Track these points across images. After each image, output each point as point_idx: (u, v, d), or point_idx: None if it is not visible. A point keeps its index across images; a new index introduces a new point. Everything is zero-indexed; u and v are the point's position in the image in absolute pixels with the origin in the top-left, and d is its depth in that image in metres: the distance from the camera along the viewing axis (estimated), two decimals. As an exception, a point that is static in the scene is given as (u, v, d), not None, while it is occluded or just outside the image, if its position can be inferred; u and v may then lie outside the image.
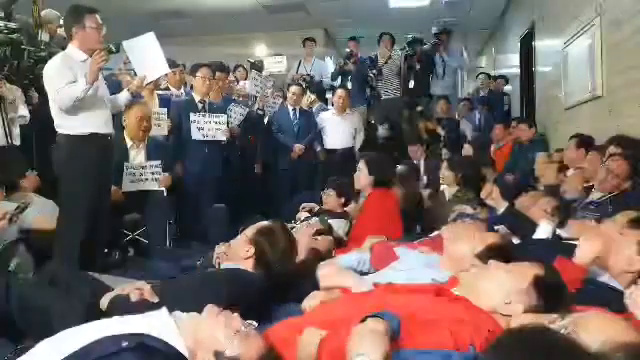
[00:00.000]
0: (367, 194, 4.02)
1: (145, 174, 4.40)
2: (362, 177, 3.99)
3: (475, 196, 4.47)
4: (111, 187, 4.02)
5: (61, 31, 5.35)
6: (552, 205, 3.49)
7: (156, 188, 4.44)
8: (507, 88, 9.21)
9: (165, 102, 5.26)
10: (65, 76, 3.49)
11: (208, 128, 5.09)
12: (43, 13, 5.48)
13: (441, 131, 7.05)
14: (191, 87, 5.61)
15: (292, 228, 3.44)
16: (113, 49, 3.74)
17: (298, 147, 6.23)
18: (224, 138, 5.18)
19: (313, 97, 7.40)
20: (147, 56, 4.00)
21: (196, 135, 5.05)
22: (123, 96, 4.01)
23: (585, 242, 2.13)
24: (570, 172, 4.33)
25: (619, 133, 3.75)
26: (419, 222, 4.54)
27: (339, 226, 4.14)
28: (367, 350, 1.33)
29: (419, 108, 7.43)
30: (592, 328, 1.31)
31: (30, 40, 4.79)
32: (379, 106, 7.80)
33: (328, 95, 8.13)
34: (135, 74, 4.20)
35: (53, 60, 3.62)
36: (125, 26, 5.13)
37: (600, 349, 1.25)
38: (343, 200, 4.54)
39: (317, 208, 4.61)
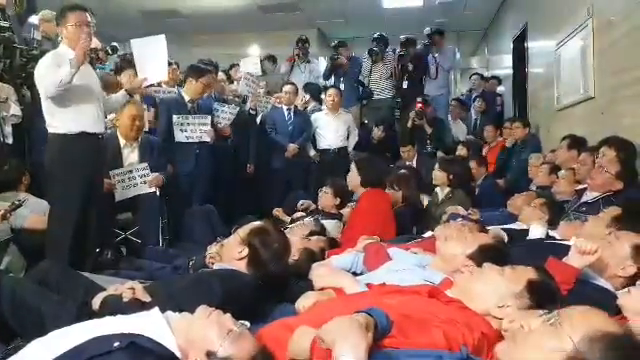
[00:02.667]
0: (360, 195, 4.03)
1: (134, 178, 4.37)
2: (355, 177, 4.01)
3: (466, 196, 4.49)
4: (103, 187, 4.01)
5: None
6: (540, 202, 3.52)
7: (147, 191, 4.42)
8: (500, 89, 9.24)
9: (150, 100, 5.24)
10: (55, 73, 3.47)
11: (191, 129, 4.98)
12: (40, 13, 5.49)
13: (428, 128, 7.05)
14: (180, 85, 5.58)
15: (285, 229, 3.44)
16: (109, 51, 3.73)
17: (292, 147, 6.22)
18: (209, 139, 5.07)
19: (308, 97, 7.40)
20: (152, 58, 3.98)
21: (179, 137, 4.95)
22: (121, 95, 4.00)
23: (580, 256, 2.14)
24: (562, 173, 4.34)
25: (611, 134, 3.77)
26: (418, 223, 4.54)
27: (333, 227, 4.14)
28: (349, 350, 1.32)
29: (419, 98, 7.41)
30: (576, 319, 1.33)
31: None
32: (372, 107, 7.81)
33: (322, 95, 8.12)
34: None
35: (44, 58, 3.61)
36: (120, 25, 5.12)
37: (582, 339, 1.26)
38: (339, 200, 4.55)
39: (313, 207, 4.61)
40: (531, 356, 1.32)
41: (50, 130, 3.61)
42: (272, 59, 8.12)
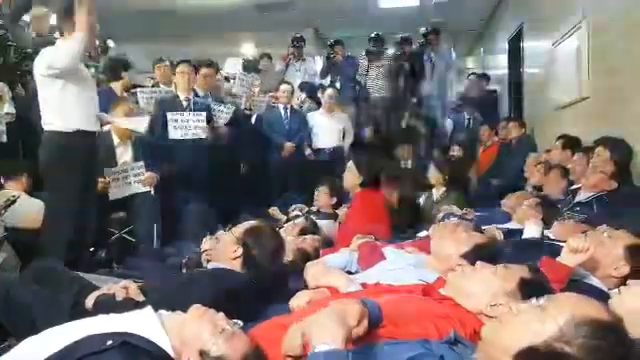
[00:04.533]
0: (355, 194, 4.03)
1: (128, 177, 4.35)
2: (351, 177, 4.00)
3: (461, 196, 4.50)
4: (97, 185, 4.00)
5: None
6: (535, 201, 3.53)
7: (141, 190, 4.40)
8: (492, 87, 9.23)
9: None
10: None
11: (187, 126, 4.94)
12: (32, 10, 5.48)
13: (422, 128, 7.07)
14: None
15: (280, 228, 3.44)
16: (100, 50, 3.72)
17: (289, 145, 6.22)
18: (204, 136, 5.04)
19: (303, 96, 7.40)
20: None
21: (174, 134, 4.92)
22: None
23: (572, 254, 2.15)
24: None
25: (606, 134, 3.78)
26: (413, 223, 4.54)
27: (328, 226, 4.14)
28: (329, 338, 1.34)
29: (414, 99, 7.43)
30: (562, 303, 1.33)
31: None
32: (367, 106, 7.81)
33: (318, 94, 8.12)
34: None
35: (43, 53, 3.61)
36: (118, 23, 5.11)
37: (567, 322, 1.27)
38: (335, 200, 4.55)
39: (306, 209, 4.62)
40: (515, 335, 1.32)
41: (46, 128, 3.62)
42: (268, 57, 8.12)
